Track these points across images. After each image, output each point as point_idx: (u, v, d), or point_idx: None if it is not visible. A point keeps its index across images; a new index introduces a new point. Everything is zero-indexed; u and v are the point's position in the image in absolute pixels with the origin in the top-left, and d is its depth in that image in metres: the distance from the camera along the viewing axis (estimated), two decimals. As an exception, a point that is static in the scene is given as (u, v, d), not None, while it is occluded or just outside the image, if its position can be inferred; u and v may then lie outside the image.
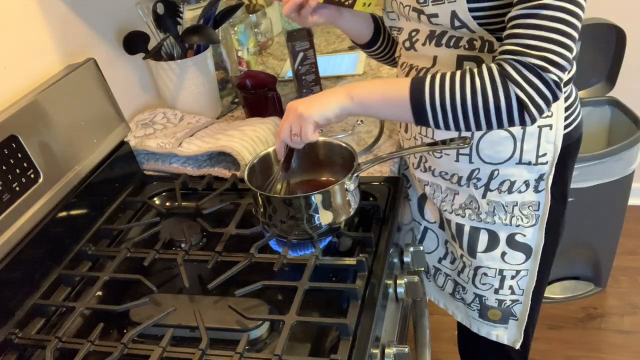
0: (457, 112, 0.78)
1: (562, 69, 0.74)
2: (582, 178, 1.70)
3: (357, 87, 0.85)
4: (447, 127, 0.81)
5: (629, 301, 2.01)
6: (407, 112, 0.81)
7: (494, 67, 0.76)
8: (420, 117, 0.81)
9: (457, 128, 0.80)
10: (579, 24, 0.74)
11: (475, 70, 0.78)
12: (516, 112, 0.76)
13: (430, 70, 0.94)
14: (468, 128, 0.80)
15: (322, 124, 0.87)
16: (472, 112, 0.77)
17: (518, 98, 0.75)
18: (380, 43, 1.12)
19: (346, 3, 0.94)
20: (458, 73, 0.79)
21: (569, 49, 0.74)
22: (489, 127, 0.79)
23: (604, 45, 1.86)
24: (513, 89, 0.75)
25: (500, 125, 0.79)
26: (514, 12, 0.76)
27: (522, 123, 0.78)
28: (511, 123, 0.78)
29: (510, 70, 0.75)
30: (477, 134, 0.95)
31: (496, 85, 0.75)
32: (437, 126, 0.81)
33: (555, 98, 0.76)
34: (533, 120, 0.77)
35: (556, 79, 0.74)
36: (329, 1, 0.94)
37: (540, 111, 0.76)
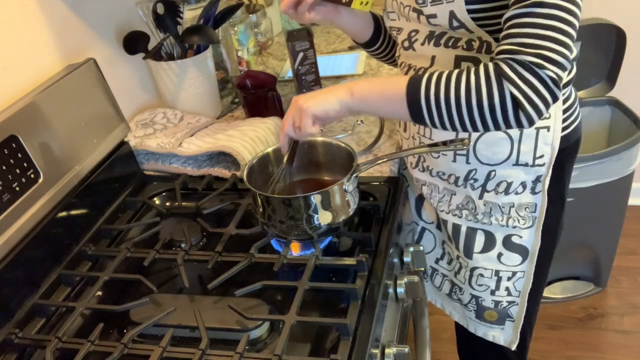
0: (452, 109, 0.77)
1: (560, 66, 0.72)
2: (582, 178, 1.70)
3: (358, 83, 0.85)
4: (443, 126, 0.79)
5: (629, 301, 2.01)
6: (404, 109, 0.80)
7: (490, 65, 0.75)
8: (416, 114, 0.80)
9: (453, 127, 0.79)
10: (576, 22, 0.73)
11: (472, 69, 0.76)
12: (511, 111, 0.74)
13: (428, 70, 0.94)
14: (464, 127, 0.78)
15: (321, 118, 0.87)
16: (466, 110, 0.76)
17: (513, 96, 0.73)
18: (381, 42, 1.12)
19: (343, 1, 0.94)
20: (455, 71, 0.77)
21: (567, 46, 0.72)
22: (485, 127, 0.77)
23: (604, 45, 1.86)
24: (508, 87, 0.73)
25: (496, 126, 0.76)
26: (510, 12, 0.75)
27: (519, 124, 0.75)
28: (507, 124, 0.75)
29: (505, 68, 0.73)
30: (475, 135, 0.95)
31: (490, 83, 0.74)
32: (433, 124, 0.80)
33: (554, 97, 0.73)
34: (530, 121, 0.74)
35: (554, 76, 0.72)
36: None
37: (538, 111, 0.73)
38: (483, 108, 0.75)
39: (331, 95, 0.85)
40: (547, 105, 0.74)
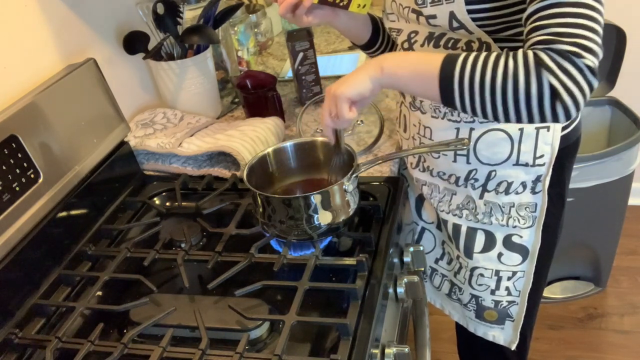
0: (485, 94, 0.73)
1: (595, 55, 0.70)
2: (582, 178, 1.70)
3: (389, 58, 0.82)
4: (473, 111, 0.75)
5: (629, 301, 2.01)
6: (435, 89, 0.76)
7: (529, 53, 0.72)
8: (447, 95, 0.76)
9: (484, 114, 0.74)
10: (602, 10, 0.71)
11: (511, 54, 0.73)
12: (548, 101, 0.70)
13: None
14: (495, 115, 0.74)
15: (357, 101, 0.84)
16: (501, 97, 0.72)
17: (551, 86, 0.69)
18: (380, 44, 1.12)
19: (341, 4, 0.94)
20: (494, 53, 0.74)
21: (598, 33, 0.71)
22: (519, 116, 0.73)
23: (604, 45, 1.84)
24: (547, 76, 0.69)
25: (530, 116, 0.72)
26: (532, 8, 0.73)
27: (555, 116, 0.71)
28: (542, 115, 0.71)
29: (544, 57, 0.69)
30: (475, 135, 0.95)
31: (529, 71, 0.70)
32: (463, 108, 0.75)
33: (591, 86, 0.70)
34: (567, 113, 0.70)
35: (591, 64, 0.69)
36: (323, 2, 0.94)
37: (576, 101, 0.70)
38: (519, 95, 0.71)
39: (362, 74, 0.83)
40: (585, 96, 0.71)
